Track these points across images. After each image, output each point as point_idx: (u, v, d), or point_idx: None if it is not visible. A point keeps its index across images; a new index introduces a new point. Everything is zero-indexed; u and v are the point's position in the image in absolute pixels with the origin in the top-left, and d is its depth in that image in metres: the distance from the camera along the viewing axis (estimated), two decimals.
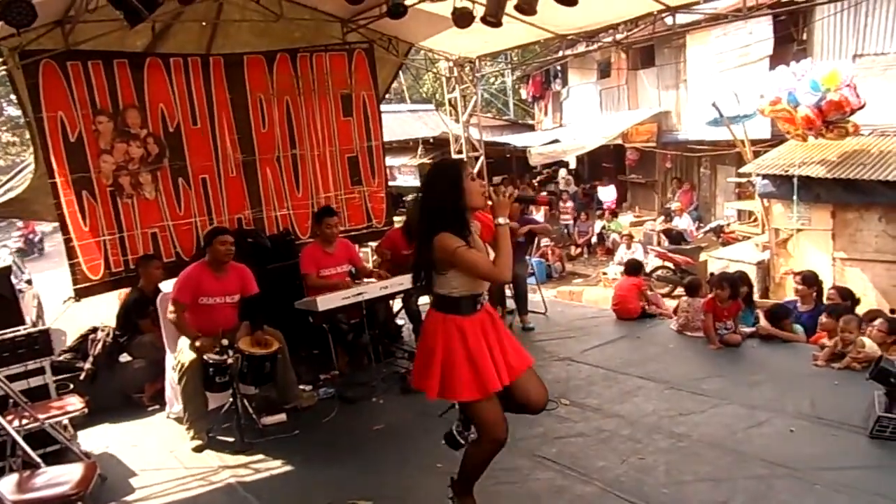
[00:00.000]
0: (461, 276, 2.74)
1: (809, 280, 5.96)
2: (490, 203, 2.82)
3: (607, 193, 16.76)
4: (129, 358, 5.37)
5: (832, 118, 8.68)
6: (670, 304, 8.85)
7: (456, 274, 2.74)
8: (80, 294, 5.35)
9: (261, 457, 4.08)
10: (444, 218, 2.74)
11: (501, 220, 2.77)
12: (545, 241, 13.04)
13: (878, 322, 4.87)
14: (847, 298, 5.55)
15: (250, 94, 6.07)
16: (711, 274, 8.47)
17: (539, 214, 14.38)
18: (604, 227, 15.09)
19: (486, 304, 2.89)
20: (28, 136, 5.58)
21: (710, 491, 3.20)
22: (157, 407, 5.08)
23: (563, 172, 16.53)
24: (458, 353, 2.73)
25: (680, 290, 9.53)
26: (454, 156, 9.33)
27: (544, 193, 15.82)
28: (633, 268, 6.84)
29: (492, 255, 2.79)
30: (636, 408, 4.27)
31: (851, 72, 8.89)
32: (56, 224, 5.38)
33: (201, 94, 5.80)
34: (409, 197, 6.65)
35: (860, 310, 5.60)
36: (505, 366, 2.79)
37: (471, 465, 2.91)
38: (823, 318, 5.09)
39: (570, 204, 15.80)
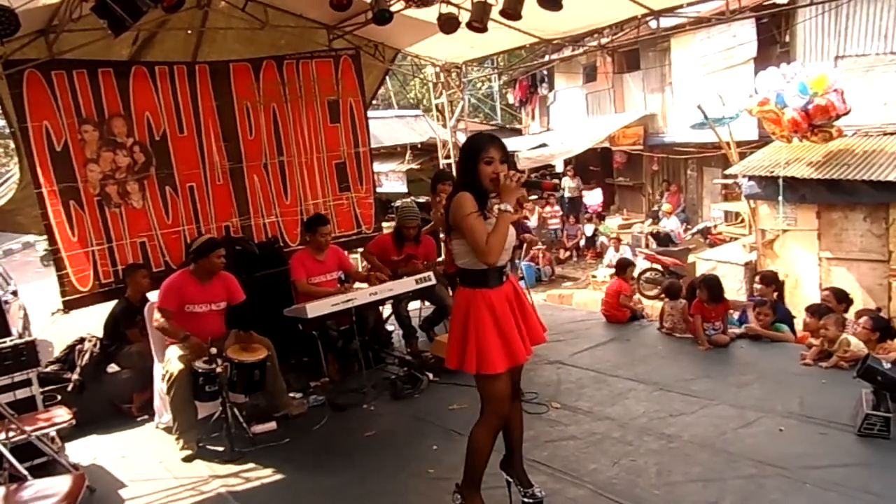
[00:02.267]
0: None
1: (768, 279, 6.07)
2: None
3: (593, 197, 16.84)
4: (116, 368, 5.33)
5: (818, 122, 8.78)
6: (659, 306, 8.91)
7: (464, 244, 2.80)
8: (68, 306, 5.30)
9: (251, 466, 4.05)
10: (467, 184, 2.85)
11: (503, 206, 2.77)
12: (536, 245, 13.09)
13: (862, 320, 4.93)
14: (842, 300, 5.58)
15: (237, 101, 6.06)
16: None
17: (532, 220, 14.47)
18: (596, 230, 15.16)
19: (512, 277, 2.97)
20: (12, 146, 5.54)
21: (701, 491, 3.21)
22: (145, 417, 5.03)
23: (567, 181, 16.58)
24: (489, 325, 2.80)
25: None
26: (442, 163, 9.37)
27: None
28: (620, 266, 6.77)
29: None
30: (626, 410, 4.28)
31: (838, 76, 9.00)
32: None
33: (187, 102, 5.77)
34: (398, 203, 6.65)
35: (853, 310, 5.65)
36: (529, 338, 2.91)
37: (475, 454, 2.93)
38: (807, 319, 5.14)
39: (556, 208, 15.86)
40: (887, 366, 3.79)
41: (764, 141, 11.00)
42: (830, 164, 8.98)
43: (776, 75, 9.14)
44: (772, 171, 9.33)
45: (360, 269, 5.99)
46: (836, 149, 9.28)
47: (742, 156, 11.10)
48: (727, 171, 11.27)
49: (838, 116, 8.76)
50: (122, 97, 5.43)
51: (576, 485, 3.38)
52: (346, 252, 5.92)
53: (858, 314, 5.33)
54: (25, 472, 3.36)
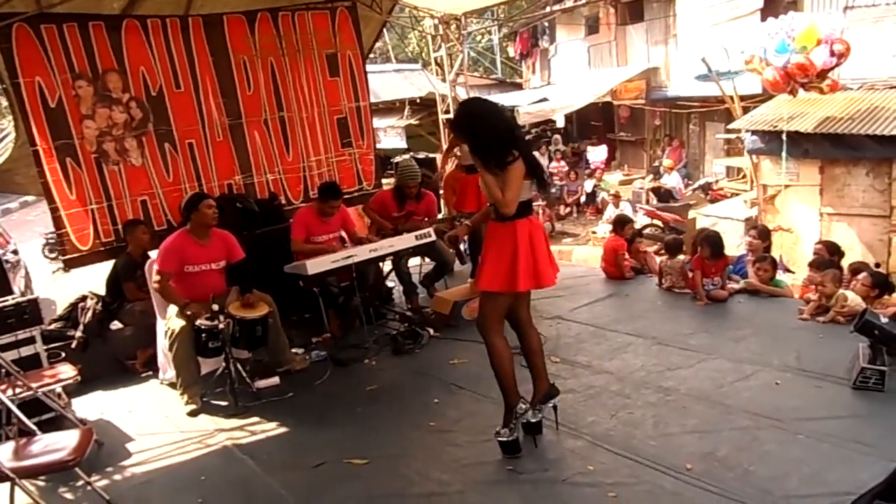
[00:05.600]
0: None
1: (764, 234, 6.10)
2: None
3: (598, 154, 16.66)
4: (119, 325, 5.37)
5: (800, 80, 8.56)
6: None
7: None
8: (69, 265, 5.30)
9: (255, 419, 4.12)
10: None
11: None
12: (535, 201, 13.04)
13: (862, 276, 4.94)
14: (834, 253, 5.61)
15: (233, 55, 5.93)
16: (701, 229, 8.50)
17: None
18: (596, 186, 15.08)
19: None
20: (5, 103, 5.46)
21: (697, 442, 3.27)
22: (149, 373, 5.11)
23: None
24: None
25: None
26: (442, 118, 9.24)
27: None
28: (617, 222, 6.71)
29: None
30: (625, 364, 4.33)
31: (834, 26, 8.72)
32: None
33: (182, 57, 5.66)
34: (398, 158, 6.60)
35: (844, 263, 5.67)
36: None
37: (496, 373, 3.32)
38: (812, 273, 5.15)
39: (562, 163, 15.73)
40: (885, 320, 3.81)
41: (768, 95, 10.83)
42: (835, 118, 8.86)
43: (763, 31, 8.89)
44: (775, 126, 9.21)
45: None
46: (841, 103, 9.14)
47: (746, 110, 10.94)
48: (730, 126, 11.13)
49: (820, 73, 8.50)
50: (116, 52, 5.32)
51: (574, 436, 3.44)
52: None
53: (852, 268, 5.34)
54: (34, 427, 3.41)
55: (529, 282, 3.20)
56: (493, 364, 3.28)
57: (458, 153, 6.03)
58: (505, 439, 3.28)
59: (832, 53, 8.30)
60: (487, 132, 3.13)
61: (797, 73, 8.33)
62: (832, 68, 8.45)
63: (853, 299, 4.64)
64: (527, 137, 16.80)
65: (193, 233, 4.49)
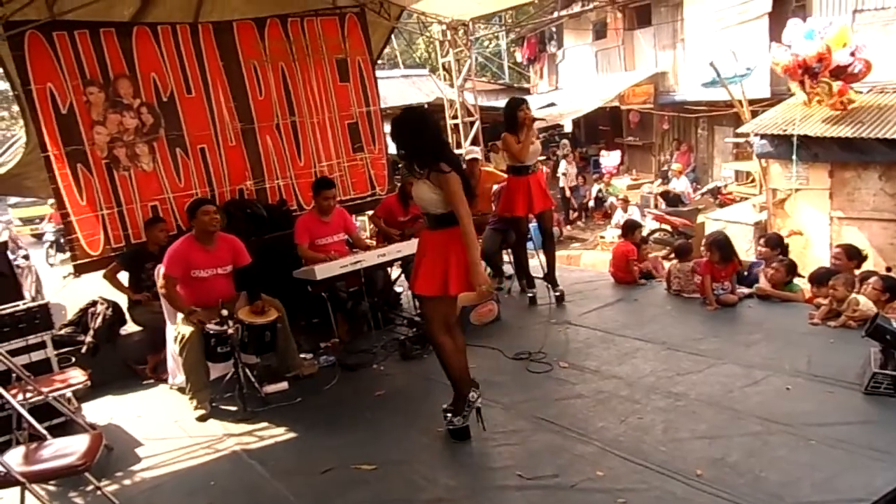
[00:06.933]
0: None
1: (773, 242, 5.97)
2: None
3: (611, 159, 16.58)
4: (129, 330, 5.40)
5: (814, 68, 8.53)
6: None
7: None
8: (79, 270, 5.34)
9: (264, 424, 4.12)
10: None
11: None
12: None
13: (872, 280, 4.89)
14: (853, 257, 5.51)
15: (244, 60, 5.98)
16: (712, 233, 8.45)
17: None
18: (600, 191, 15.05)
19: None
20: (16, 109, 5.52)
21: (707, 448, 3.25)
22: (159, 378, 5.12)
23: (563, 166, 16.36)
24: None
25: None
26: (449, 123, 9.25)
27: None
28: (627, 227, 6.63)
29: None
30: (634, 369, 4.31)
31: (863, 42, 8.73)
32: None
33: (193, 63, 5.71)
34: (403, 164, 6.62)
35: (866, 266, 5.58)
36: None
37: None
38: (813, 290, 5.11)
39: (571, 166, 15.71)
40: None
41: (777, 99, 10.79)
42: (845, 121, 8.81)
43: (801, 25, 8.92)
44: (785, 130, 9.17)
45: (368, 232, 5.99)
46: (851, 106, 9.09)
47: (754, 114, 10.90)
48: (739, 130, 11.08)
49: (837, 70, 8.48)
50: (126, 58, 5.37)
51: (583, 442, 3.42)
52: (355, 215, 5.90)
53: (862, 275, 5.26)
54: (44, 432, 3.43)
55: (462, 286, 3.37)
56: (441, 360, 3.51)
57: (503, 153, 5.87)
58: (457, 427, 3.52)
59: (853, 55, 8.32)
60: (415, 141, 3.36)
61: (813, 58, 8.33)
62: (846, 71, 8.43)
63: (864, 303, 4.59)
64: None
65: (198, 238, 4.51)
